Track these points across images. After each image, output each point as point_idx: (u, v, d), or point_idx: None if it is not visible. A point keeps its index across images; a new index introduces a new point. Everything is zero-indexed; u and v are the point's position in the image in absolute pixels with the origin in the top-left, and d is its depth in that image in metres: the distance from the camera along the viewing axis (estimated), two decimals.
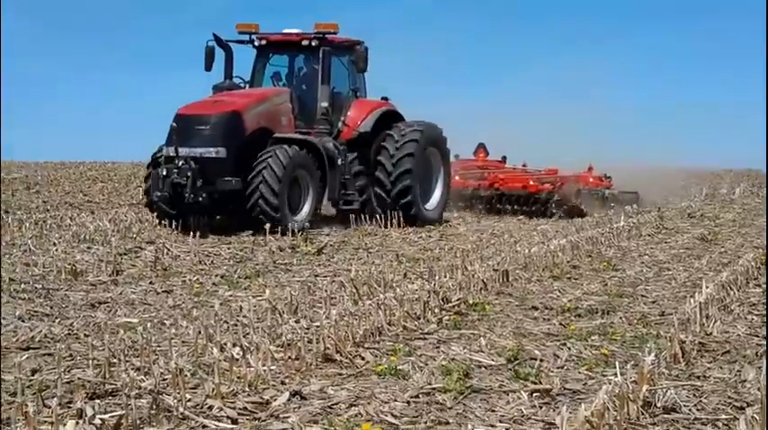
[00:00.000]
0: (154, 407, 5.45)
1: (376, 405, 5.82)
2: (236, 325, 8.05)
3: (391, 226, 18.07)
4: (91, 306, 9.49)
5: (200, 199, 16.27)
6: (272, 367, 6.46)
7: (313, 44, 18.58)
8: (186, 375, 5.78)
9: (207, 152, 16.46)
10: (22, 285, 10.27)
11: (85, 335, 7.91)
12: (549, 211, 22.03)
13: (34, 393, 5.74)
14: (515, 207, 22.77)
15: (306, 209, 17.39)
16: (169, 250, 13.30)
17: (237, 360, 6.40)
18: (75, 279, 11.09)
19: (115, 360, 6.50)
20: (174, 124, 16.68)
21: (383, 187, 18.91)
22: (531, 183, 23.20)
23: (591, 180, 24.10)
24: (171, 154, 16.35)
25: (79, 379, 6.14)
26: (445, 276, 10.34)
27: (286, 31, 19.31)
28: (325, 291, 9.31)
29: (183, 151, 16.24)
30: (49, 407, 5.27)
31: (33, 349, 7.33)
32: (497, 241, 15.21)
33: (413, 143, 18.94)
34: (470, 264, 11.26)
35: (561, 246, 13.56)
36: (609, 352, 7.42)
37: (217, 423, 5.42)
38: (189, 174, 16.16)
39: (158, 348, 7.03)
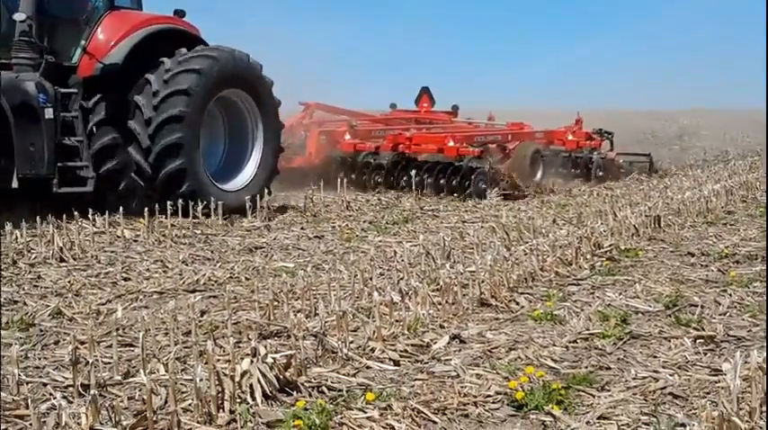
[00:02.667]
0: (319, 348, 5.61)
1: (535, 349, 5.83)
2: (390, 269, 8.18)
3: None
4: (248, 251, 9.81)
5: None
6: (430, 311, 6.55)
7: None
8: (348, 318, 5.92)
9: None
10: (183, 231, 10.67)
11: (246, 278, 8.20)
12: (473, 188, 14.80)
13: (205, 333, 6.00)
14: (428, 180, 15.23)
15: None
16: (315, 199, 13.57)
17: (396, 304, 6.51)
18: (230, 225, 11.47)
19: (277, 302, 6.71)
20: None
21: (139, 148, 11.87)
22: (452, 143, 15.31)
23: (570, 138, 18.36)
24: None
25: (246, 320, 6.37)
26: (596, 222, 10.21)
27: None
28: (476, 237, 9.35)
29: None
30: (222, 347, 5.52)
31: (200, 291, 7.64)
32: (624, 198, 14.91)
33: (192, 76, 11.95)
34: (620, 209, 11.09)
35: (715, 192, 13.17)
36: None
37: (380, 364, 5.54)
38: None
39: (317, 292, 7.21)
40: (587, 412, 4.68)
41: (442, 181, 15.15)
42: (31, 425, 3.93)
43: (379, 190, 15.51)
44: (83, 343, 5.55)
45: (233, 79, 12.50)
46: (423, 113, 20.67)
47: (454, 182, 15.00)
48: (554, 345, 5.95)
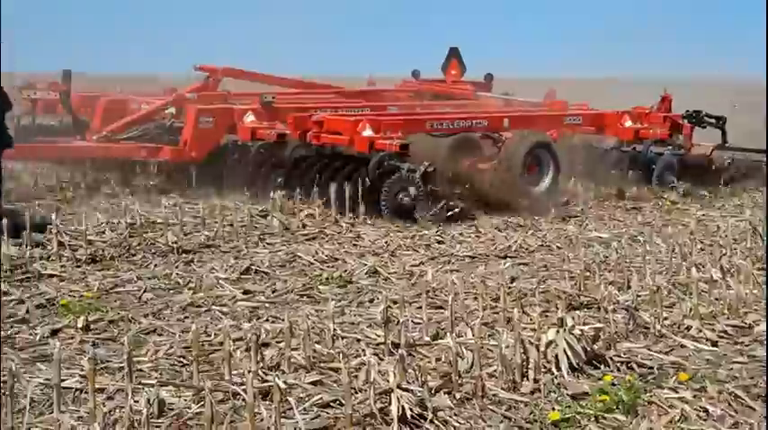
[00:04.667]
0: (630, 322, 5.40)
1: None
2: (712, 245, 7.73)
3: None
4: (562, 219, 9.66)
5: None
6: (754, 291, 6.10)
7: None
8: (663, 293, 5.65)
9: None
10: None
11: (558, 247, 8.08)
12: (386, 203, 9.40)
13: (513, 300, 5.97)
14: (332, 187, 9.41)
15: None
16: None
17: (716, 281, 6.13)
18: None
19: (588, 273, 6.54)
20: None
21: None
22: (366, 133, 9.79)
23: (629, 125, 12.15)
24: None
25: (555, 289, 6.27)
26: None
27: None
28: None
29: None
30: (528, 315, 5.46)
31: (511, 258, 7.63)
32: None
33: None
34: None
35: None
36: None
37: (695, 343, 5.24)
38: None
39: (631, 264, 6.95)
40: None
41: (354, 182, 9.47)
42: (342, 378, 4.07)
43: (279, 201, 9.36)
44: (395, 302, 5.71)
45: None
46: (449, 83, 15.47)
47: (359, 192, 9.33)
48: None
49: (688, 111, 13.14)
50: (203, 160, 11.39)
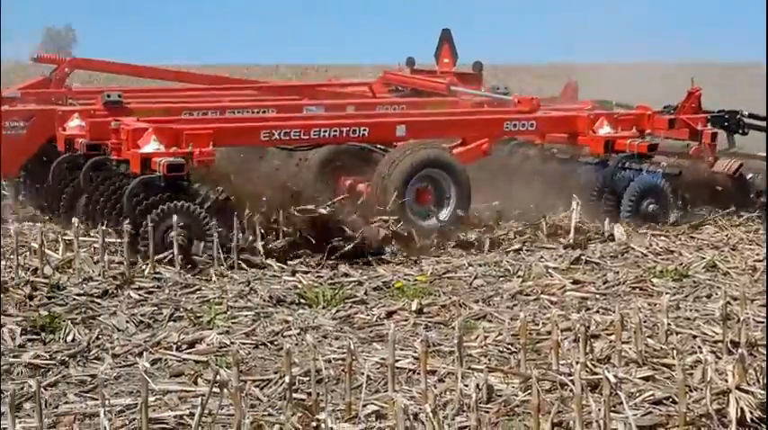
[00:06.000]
0: None
1: None
2: None
3: None
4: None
5: None
6: None
7: None
8: None
9: None
10: None
11: None
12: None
13: None
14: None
15: None
16: None
17: None
18: None
19: None
20: None
21: None
22: (148, 148, 7.18)
23: (603, 132, 8.59)
24: None
25: None
26: None
27: None
28: None
29: None
30: None
31: None
32: None
33: None
34: None
35: None
36: None
37: None
38: None
39: None
40: None
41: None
42: (676, 375, 3.89)
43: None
44: (735, 298, 5.38)
45: None
46: (402, 79, 11.81)
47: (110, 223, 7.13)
48: None
49: (722, 111, 9.74)
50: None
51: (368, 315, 5.59)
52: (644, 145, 8.37)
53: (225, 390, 3.73)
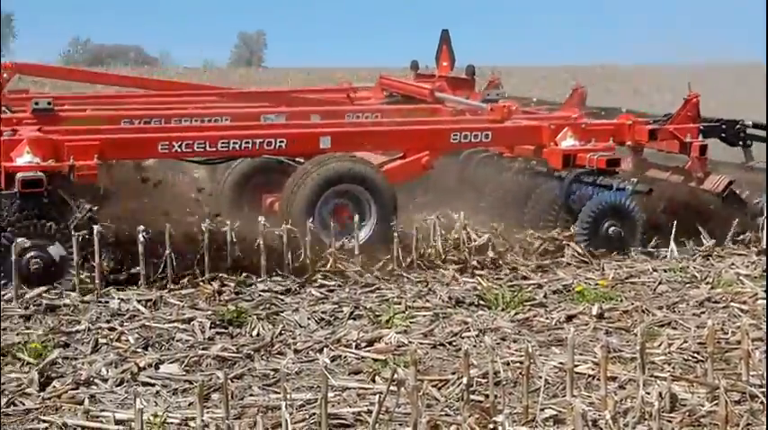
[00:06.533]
0: None
1: None
2: None
3: None
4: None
5: None
6: None
7: None
8: None
9: None
10: None
11: None
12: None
13: None
14: None
15: None
16: None
17: None
18: None
19: None
20: None
21: None
22: (21, 159, 6.48)
23: (563, 146, 7.55)
24: None
25: None
26: None
27: None
28: None
29: None
30: None
31: None
32: None
33: None
34: None
35: None
36: None
37: None
38: None
39: None
40: None
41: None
42: None
43: None
44: None
45: None
46: (391, 84, 10.97)
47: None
48: None
49: (720, 120, 8.56)
50: None
51: (547, 318, 5.52)
52: (602, 159, 7.36)
53: (402, 389, 3.76)
